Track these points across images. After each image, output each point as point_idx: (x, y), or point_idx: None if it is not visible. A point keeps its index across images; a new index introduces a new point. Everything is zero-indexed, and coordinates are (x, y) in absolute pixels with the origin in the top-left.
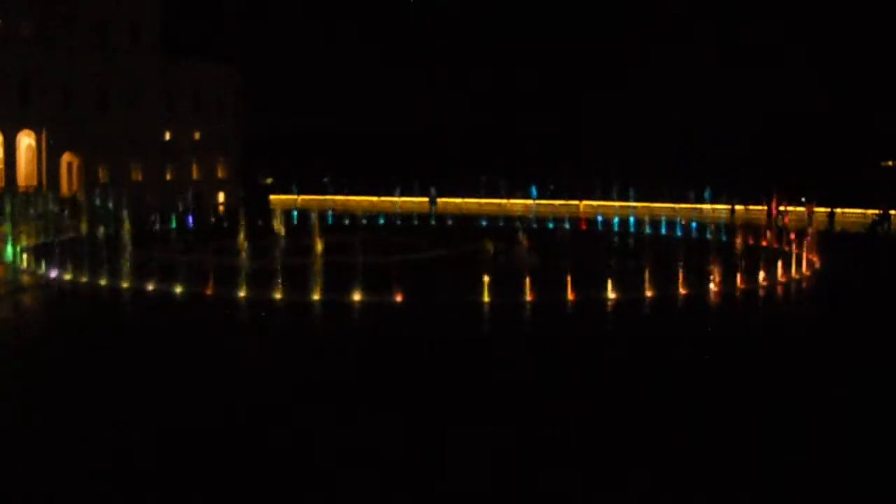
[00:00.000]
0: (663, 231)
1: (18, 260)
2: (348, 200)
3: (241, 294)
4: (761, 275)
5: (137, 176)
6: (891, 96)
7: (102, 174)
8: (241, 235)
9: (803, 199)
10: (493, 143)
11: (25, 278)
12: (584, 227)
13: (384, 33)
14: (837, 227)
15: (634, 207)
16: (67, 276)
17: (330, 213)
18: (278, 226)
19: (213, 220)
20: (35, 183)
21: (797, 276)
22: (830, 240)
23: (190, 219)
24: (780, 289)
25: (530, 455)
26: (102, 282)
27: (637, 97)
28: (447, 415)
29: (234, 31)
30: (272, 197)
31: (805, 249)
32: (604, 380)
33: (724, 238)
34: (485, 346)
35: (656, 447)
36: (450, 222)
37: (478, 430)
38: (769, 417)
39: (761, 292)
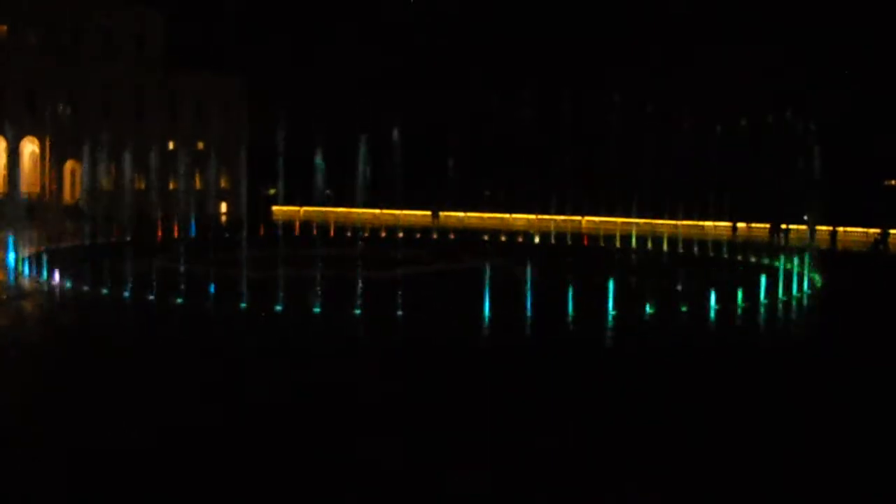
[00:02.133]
0: (665, 247)
1: (20, 266)
2: (350, 213)
3: (242, 305)
4: (763, 292)
5: (140, 185)
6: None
7: (105, 182)
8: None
9: (805, 217)
10: (493, 149)
11: (27, 285)
12: (585, 242)
13: (386, 34)
14: (839, 246)
15: (637, 224)
16: (68, 284)
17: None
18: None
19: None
20: (37, 189)
21: (798, 294)
22: (832, 258)
23: (192, 228)
24: (780, 306)
25: (531, 466)
26: (103, 290)
27: (641, 103)
28: (448, 427)
29: (238, 41)
30: (274, 208)
31: (807, 267)
32: (602, 389)
33: (726, 255)
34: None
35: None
36: (452, 236)
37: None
38: (776, 426)
39: (762, 310)
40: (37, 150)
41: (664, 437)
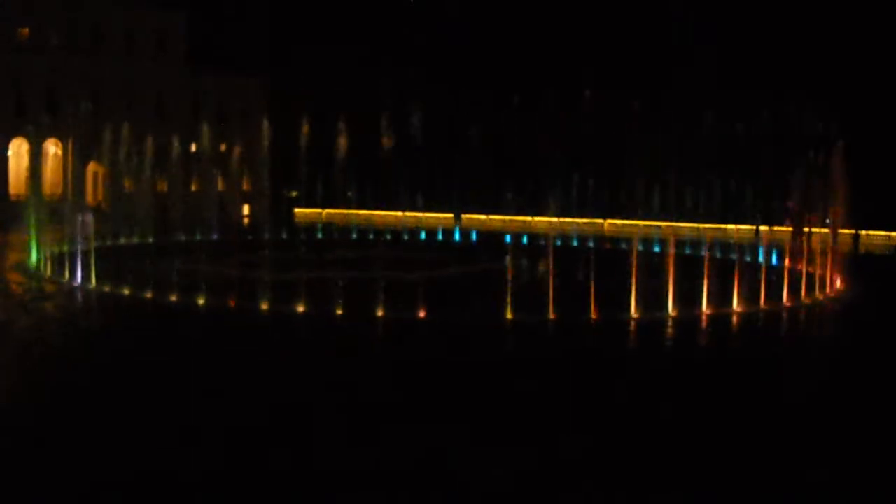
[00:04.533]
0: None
1: (42, 267)
2: (372, 215)
3: (263, 307)
4: (785, 296)
5: (162, 186)
6: None
7: (127, 184)
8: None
9: (828, 221)
10: (513, 151)
11: (48, 286)
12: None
13: (408, 36)
14: (862, 249)
15: (659, 226)
16: (91, 285)
17: (354, 227)
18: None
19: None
20: (60, 191)
21: (821, 297)
22: (855, 261)
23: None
24: (804, 310)
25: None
26: (125, 291)
27: (657, 105)
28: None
29: (261, 41)
30: (297, 210)
31: (830, 271)
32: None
33: (748, 258)
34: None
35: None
36: (474, 239)
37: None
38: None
39: (785, 314)
40: (59, 151)
41: None
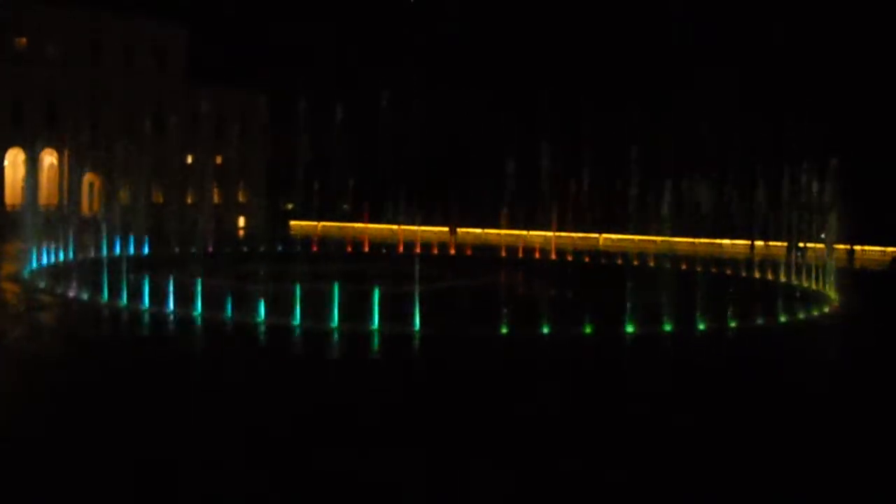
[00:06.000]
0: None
1: (36, 278)
2: (367, 228)
3: (258, 319)
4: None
5: (158, 198)
6: None
7: (123, 195)
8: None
9: (822, 235)
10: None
11: (43, 297)
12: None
13: (406, 51)
14: (857, 264)
15: (654, 241)
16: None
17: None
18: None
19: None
20: (56, 202)
21: (816, 313)
22: (850, 276)
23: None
24: (799, 325)
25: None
26: (120, 303)
27: (654, 118)
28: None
29: (259, 56)
30: (292, 223)
31: (824, 286)
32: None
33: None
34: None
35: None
36: (470, 252)
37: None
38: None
39: (779, 329)
40: (55, 162)
41: None
